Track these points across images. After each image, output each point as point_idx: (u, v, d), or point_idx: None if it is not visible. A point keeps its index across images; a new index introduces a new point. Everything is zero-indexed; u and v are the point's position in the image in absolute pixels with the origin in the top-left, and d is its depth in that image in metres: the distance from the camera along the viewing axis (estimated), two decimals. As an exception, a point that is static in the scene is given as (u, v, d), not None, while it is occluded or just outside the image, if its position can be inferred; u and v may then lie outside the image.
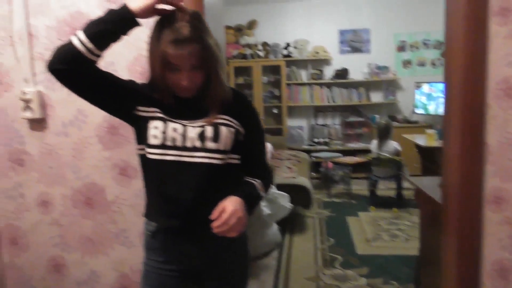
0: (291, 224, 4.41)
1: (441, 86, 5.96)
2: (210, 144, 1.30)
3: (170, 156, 1.30)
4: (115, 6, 1.23)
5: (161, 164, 1.31)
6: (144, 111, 1.33)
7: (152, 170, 1.35)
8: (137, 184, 1.95)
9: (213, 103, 1.31)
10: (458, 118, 1.73)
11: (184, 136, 1.30)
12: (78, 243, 2.04)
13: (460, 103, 1.73)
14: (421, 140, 5.07)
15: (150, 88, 1.33)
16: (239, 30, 6.68)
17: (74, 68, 1.21)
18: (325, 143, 6.80)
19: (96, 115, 1.92)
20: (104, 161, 1.96)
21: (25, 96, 1.89)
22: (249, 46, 6.69)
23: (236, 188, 1.35)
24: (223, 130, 1.31)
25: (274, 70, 6.79)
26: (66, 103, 1.93)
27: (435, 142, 4.85)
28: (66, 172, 1.99)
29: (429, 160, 4.95)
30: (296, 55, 6.70)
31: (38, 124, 1.96)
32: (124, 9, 1.20)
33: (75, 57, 1.19)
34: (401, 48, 6.61)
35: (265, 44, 6.74)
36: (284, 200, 3.85)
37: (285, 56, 6.70)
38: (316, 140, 6.89)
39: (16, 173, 2.01)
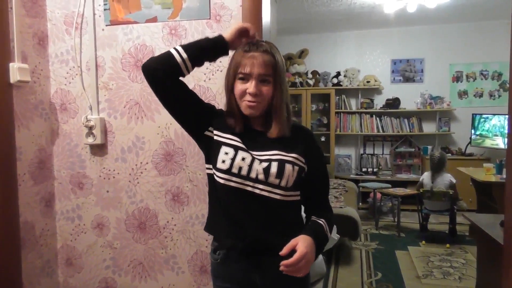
0: (336, 255, 4.31)
1: (499, 118, 5.73)
2: (272, 180, 1.32)
3: (234, 183, 1.33)
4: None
5: (226, 188, 1.35)
6: (218, 135, 1.40)
7: (218, 191, 1.39)
8: (188, 211, 1.98)
9: (279, 127, 1.35)
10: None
11: (250, 166, 1.33)
12: (129, 266, 2.08)
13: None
14: (477, 174, 4.84)
15: (227, 116, 1.41)
16: (289, 58, 6.76)
17: (165, 70, 1.34)
18: (374, 173, 6.65)
19: (153, 142, 1.99)
20: (158, 187, 2.01)
21: (88, 123, 1.99)
22: (299, 74, 6.74)
23: (307, 226, 1.37)
24: (288, 168, 1.33)
25: (323, 98, 6.79)
26: (126, 130, 2.01)
27: (493, 177, 4.62)
28: (122, 196, 2.05)
29: (486, 195, 4.71)
30: (346, 83, 6.67)
31: (99, 149, 2.05)
32: (219, 36, 1.40)
33: (169, 62, 1.35)
34: (457, 78, 6.43)
35: (315, 73, 6.77)
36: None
37: (335, 84, 6.69)
38: (364, 169, 6.77)
39: (76, 196, 2.10)
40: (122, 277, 2.09)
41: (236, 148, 1.35)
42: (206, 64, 1.90)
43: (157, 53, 1.93)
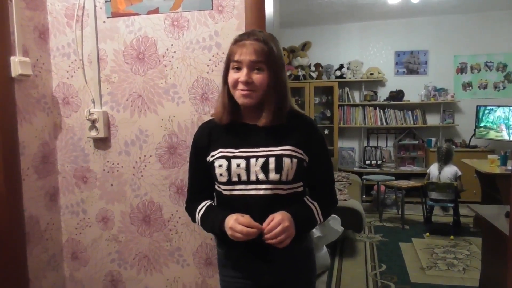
0: (341, 247, 4.31)
1: (504, 109, 5.69)
2: (273, 176, 1.33)
3: (238, 190, 1.36)
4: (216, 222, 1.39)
5: (230, 198, 1.38)
6: (211, 155, 1.42)
7: (225, 204, 1.41)
8: (193, 204, 1.97)
9: (269, 117, 1.34)
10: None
11: (247, 170, 1.34)
12: (134, 259, 2.08)
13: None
14: (481, 165, 4.82)
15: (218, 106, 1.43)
16: (292, 51, 6.72)
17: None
18: (378, 166, 6.64)
19: (156, 135, 1.98)
20: (162, 180, 2.00)
21: (91, 116, 1.98)
22: (302, 67, 6.70)
23: (292, 205, 1.37)
24: (286, 161, 1.33)
25: (326, 91, 6.76)
26: (129, 123, 2.00)
27: (497, 168, 4.60)
28: (126, 190, 2.05)
29: (490, 187, 4.69)
30: (349, 76, 6.64)
31: (102, 143, 2.04)
32: (217, 231, 1.38)
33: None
34: (461, 70, 6.39)
35: (318, 65, 6.73)
36: (335, 223, 3.77)
37: (338, 77, 6.65)
38: (367, 162, 6.75)
39: (80, 190, 2.09)
40: (127, 270, 2.09)
41: (228, 158, 1.36)
42: (209, 55, 1.90)
43: (159, 46, 1.93)
